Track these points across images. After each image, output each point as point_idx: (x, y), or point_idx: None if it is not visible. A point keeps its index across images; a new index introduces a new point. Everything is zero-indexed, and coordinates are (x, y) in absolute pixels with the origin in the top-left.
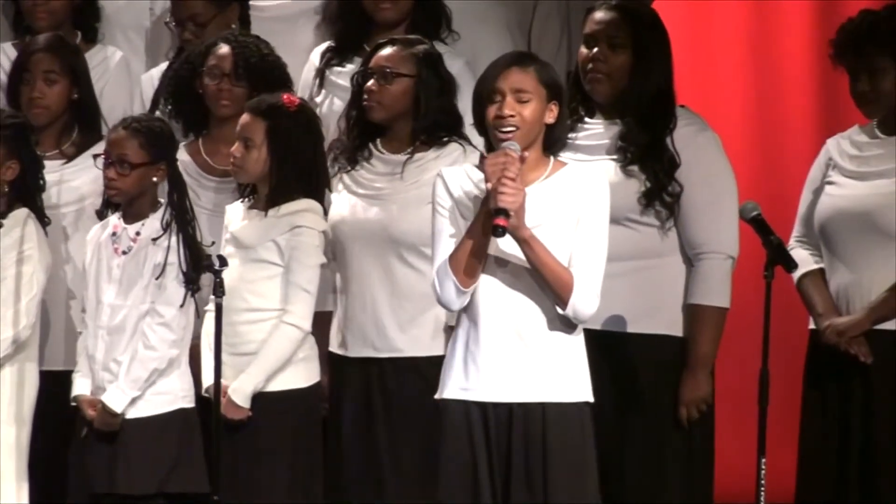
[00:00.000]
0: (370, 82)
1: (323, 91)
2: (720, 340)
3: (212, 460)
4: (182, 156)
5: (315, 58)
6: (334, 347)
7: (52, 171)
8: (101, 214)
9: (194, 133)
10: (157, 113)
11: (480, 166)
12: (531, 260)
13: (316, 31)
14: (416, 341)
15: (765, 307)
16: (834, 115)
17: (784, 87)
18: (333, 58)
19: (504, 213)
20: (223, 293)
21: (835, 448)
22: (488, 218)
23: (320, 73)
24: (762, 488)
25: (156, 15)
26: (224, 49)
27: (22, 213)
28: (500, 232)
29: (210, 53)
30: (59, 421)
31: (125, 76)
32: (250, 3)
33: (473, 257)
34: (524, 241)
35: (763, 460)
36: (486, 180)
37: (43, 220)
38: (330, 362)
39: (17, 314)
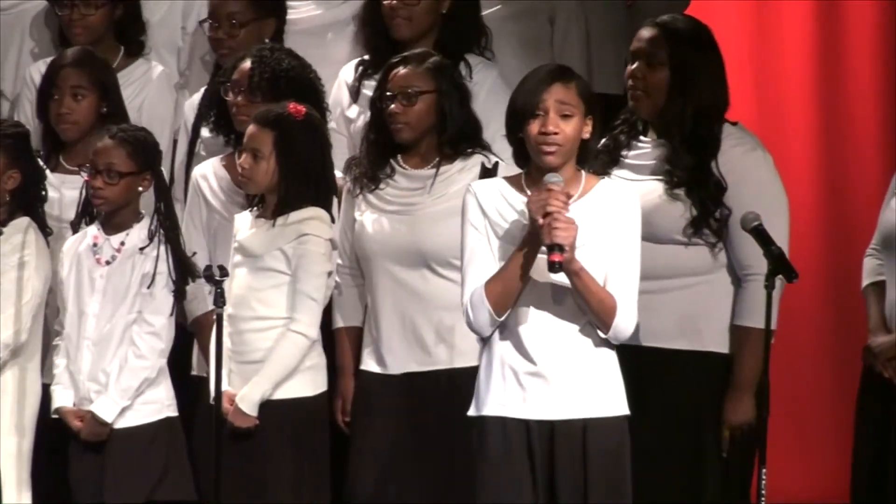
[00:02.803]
0: (393, 105)
1: (356, 106)
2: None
3: (216, 468)
4: (218, 170)
5: (346, 73)
6: (370, 366)
7: (80, 185)
8: (76, 226)
9: (234, 148)
10: (201, 136)
11: (518, 186)
12: (580, 291)
13: (346, 44)
14: (455, 352)
15: (766, 316)
16: (835, 117)
17: (785, 89)
18: (367, 70)
19: (559, 248)
20: (224, 303)
21: (874, 466)
22: (532, 250)
23: (355, 88)
24: (763, 497)
25: (188, 34)
26: (246, 64)
27: (23, 221)
28: (556, 268)
29: (235, 69)
30: (60, 431)
31: (166, 89)
32: None
33: (511, 288)
34: (575, 273)
35: (763, 470)
36: (532, 217)
37: (44, 230)
38: (361, 379)
39: (10, 319)
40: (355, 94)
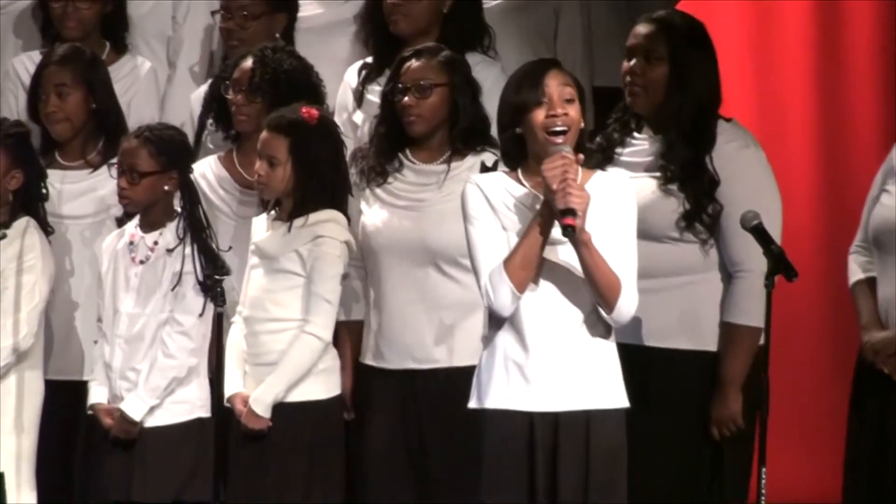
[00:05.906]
0: (406, 98)
1: (360, 112)
2: (752, 360)
3: (217, 470)
4: (216, 168)
5: (351, 77)
6: (368, 359)
7: (79, 180)
8: (121, 222)
9: (233, 143)
10: (207, 128)
11: (517, 181)
12: (586, 262)
13: (351, 42)
14: (454, 352)
15: (766, 316)
16: (835, 117)
17: (785, 88)
18: (370, 73)
19: (572, 213)
20: (224, 302)
21: (871, 461)
22: (546, 221)
23: (359, 93)
24: (762, 497)
25: (179, 24)
26: (247, 63)
27: (26, 222)
28: (570, 232)
29: (237, 66)
30: (66, 430)
31: (153, 87)
32: None
33: (530, 262)
34: (584, 244)
35: (763, 469)
36: (547, 185)
37: (46, 228)
38: (360, 373)
39: (18, 324)
40: (359, 99)
